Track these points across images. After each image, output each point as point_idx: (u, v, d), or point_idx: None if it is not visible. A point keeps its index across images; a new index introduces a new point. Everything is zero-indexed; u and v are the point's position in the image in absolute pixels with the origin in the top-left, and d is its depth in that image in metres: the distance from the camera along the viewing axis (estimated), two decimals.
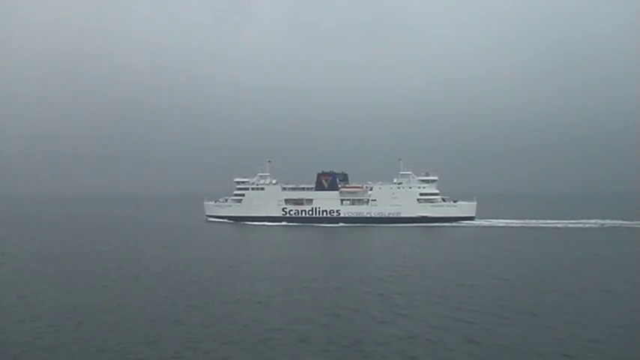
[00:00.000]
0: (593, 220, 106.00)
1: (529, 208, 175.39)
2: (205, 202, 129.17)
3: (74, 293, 37.37)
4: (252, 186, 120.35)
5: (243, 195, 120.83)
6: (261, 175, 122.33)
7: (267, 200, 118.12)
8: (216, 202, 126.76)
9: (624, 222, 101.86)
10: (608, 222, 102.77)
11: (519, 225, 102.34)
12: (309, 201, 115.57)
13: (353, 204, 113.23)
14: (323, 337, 26.27)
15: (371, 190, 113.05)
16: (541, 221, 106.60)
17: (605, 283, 40.33)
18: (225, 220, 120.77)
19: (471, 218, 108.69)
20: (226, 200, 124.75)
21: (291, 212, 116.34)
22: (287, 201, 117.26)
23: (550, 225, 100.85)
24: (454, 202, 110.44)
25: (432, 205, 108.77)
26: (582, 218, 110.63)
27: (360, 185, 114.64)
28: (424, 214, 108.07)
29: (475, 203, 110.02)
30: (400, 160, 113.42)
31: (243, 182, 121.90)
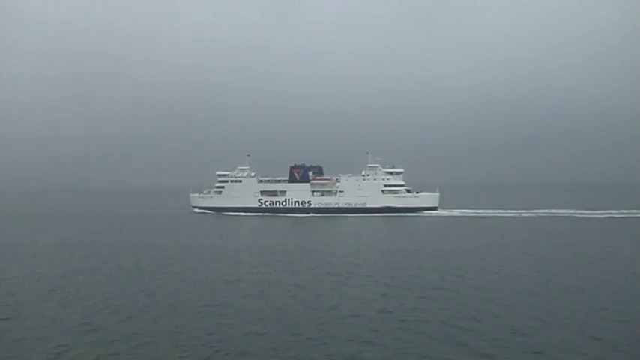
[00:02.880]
0: (553, 210, 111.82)
1: (501, 199, 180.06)
2: (191, 194, 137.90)
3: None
4: (231, 179, 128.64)
5: (223, 187, 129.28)
6: (241, 169, 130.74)
7: (244, 192, 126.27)
8: (199, 194, 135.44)
9: (575, 211, 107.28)
10: (561, 212, 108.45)
11: (478, 215, 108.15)
12: (283, 192, 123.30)
13: (323, 195, 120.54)
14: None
15: (339, 182, 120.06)
16: (500, 211, 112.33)
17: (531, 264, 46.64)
18: (207, 211, 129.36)
19: (434, 208, 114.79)
20: (209, 192, 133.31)
21: (266, 203, 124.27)
22: (262, 192, 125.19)
23: (505, 215, 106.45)
24: (417, 193, 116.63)
25: (396, 196, 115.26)
26: (540, 208, 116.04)
27: (329, 177, 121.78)
28: (388, 205, 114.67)
29: (438, 194, 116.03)
30: (368, 153, 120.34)
31: (223, 175, 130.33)
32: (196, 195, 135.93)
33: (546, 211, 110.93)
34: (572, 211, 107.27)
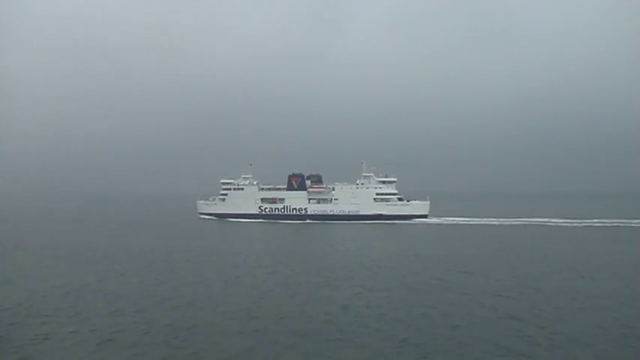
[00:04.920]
0: (544, 219, 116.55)
1: (493, 207, 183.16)
2: (198, 201, 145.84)
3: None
4: (234, 186, 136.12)
5: (226, 194, 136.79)
6: (244, 177, 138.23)
7: (245, 199, 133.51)
8: (205, 200, 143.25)
9: (548, 219, 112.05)
10: (539, 220, 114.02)
11: (467, 222, 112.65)
12: (282, 200, 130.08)
13: (319, 202, 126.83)
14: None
15: (334, 190, 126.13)
16: (487, 219, 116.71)
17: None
18: (212, 217, 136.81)
19: (425, 216, 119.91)
20: (214, 199, 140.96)
21: (266, 210, 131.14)
22: (263, 200, 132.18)
23: (493, 223, 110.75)
24: (408, 201, 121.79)
25: (387, 204, 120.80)
26: (530, 217, 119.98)
27: (325, 185, 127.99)
28: (380, 212, 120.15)
29: (428, 202, 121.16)
30: (362, 162, 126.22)
31: (227, 183, 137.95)
32: (202, 202, 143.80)
33: (536, 219, 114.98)
34: (554, 220, 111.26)
